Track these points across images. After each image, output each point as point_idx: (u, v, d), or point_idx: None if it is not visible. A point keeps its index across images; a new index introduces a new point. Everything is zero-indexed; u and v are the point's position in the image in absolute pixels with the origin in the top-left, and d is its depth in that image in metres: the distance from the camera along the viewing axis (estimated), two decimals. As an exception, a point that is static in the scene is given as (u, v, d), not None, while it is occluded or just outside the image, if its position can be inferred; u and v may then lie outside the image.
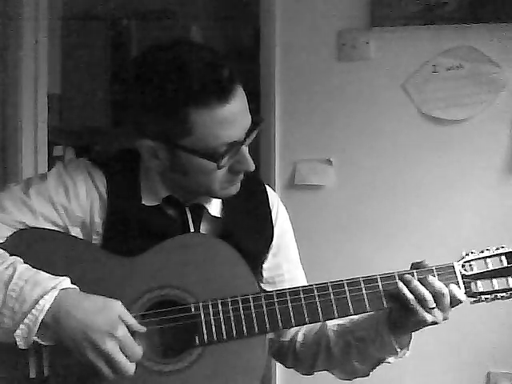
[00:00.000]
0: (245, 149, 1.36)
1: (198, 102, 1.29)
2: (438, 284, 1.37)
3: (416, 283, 1.37)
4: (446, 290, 1.37)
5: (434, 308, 1.37)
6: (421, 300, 1.36)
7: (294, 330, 1.56)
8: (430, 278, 1.37)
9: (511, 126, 2.59)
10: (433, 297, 1.37)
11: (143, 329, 1.31)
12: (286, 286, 1.47)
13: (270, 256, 1.54)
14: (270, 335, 1.53)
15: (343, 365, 1.52)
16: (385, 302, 1.39)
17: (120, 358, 1.26)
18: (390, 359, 1.47)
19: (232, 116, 1.31)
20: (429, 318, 1.37)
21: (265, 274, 1.54)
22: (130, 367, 1.27)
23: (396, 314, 1.41)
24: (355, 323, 1.49)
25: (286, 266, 1.56)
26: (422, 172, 2.66)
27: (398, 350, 1.44)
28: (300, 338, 1.56)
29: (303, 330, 1.56)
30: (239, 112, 1.33)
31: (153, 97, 1.31)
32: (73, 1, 3.81)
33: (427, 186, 2.66)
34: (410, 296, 1.37)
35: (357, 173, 2.72)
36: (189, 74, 1.29)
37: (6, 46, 2.95)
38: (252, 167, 1.38)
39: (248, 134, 1.35)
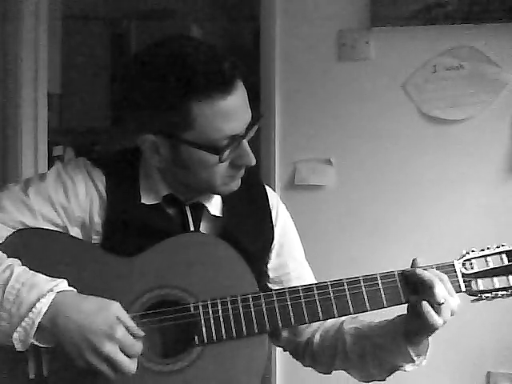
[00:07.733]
0: (245, 143, 1.36)
1: (200, 94, 1.29)
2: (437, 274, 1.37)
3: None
4: (445, 277, 1.37)
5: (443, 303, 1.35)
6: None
7: (310, 331, 1.55)
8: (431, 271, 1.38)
9: (511, 126, 2.59)
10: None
11: (141, 334, 1.30)
12: (294, 284, 1.47)
13: (273, 256, 1.54)
14: (286, 335, 1.53)
15: (359, 368, 1.51)
16: (385, 301, 1.39)
17: (121, 358, 1.26)
18: (407, 367, 1.44)
19: (233, 109, 1.31)
20: (440, 319, 1.36)
21: (271, 274, 1.54)
22: (132, 365, 1.27)
23: (412, 321, 1.39)
24: (372, 329, 1.48)
25: (291, 265, 1.55)
26: (422, 172, 2.66)
27: (415, 357, 1.42)
28: (317, 339, 1.54)
29: (320, 331, 1.55)
30: (240, 105, 1.33)
31: (155, 91, 1.31)
32: (73, 1, 3.81)
33: (427, 185, 2.65)
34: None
35: (357, 173, 2.72)
36: (190, 67, 1.29)
37: (5, 45, 2.95)
38: (253, 161, 1.37)
39: (248, 129, 1.36)
